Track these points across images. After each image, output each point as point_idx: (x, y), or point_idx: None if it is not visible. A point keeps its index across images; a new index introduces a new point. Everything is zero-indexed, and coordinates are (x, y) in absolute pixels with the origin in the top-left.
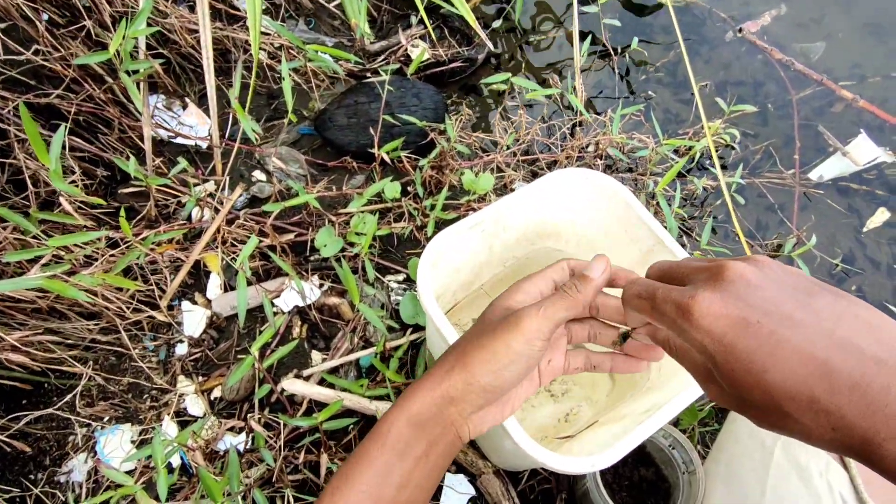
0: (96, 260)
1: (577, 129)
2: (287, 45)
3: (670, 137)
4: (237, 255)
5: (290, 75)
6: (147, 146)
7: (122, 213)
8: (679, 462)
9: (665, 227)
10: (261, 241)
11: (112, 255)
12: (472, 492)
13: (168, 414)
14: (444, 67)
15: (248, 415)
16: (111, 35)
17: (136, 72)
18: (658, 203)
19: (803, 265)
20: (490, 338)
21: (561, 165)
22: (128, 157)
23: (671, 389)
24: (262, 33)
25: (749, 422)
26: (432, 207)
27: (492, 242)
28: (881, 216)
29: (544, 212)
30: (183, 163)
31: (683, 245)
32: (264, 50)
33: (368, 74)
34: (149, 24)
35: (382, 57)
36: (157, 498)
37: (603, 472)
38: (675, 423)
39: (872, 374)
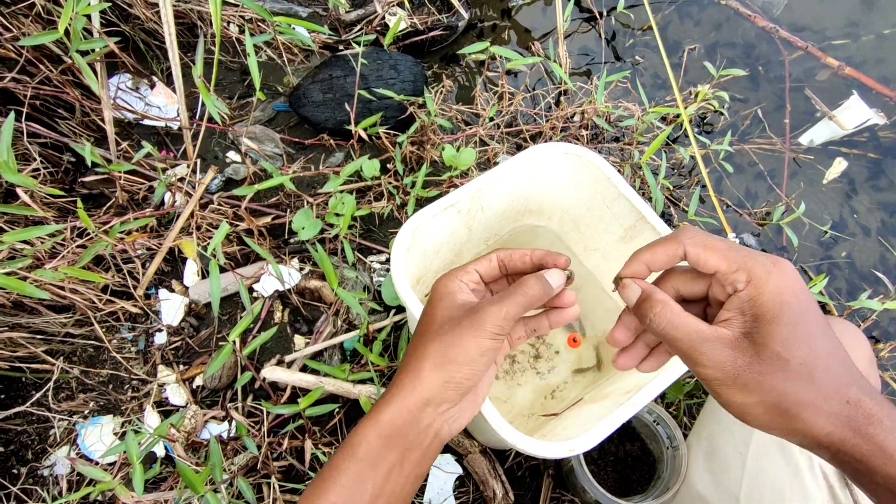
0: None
1: (562, 98)
2: (256, 17)
3: (658, 104)
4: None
5: (260, 49)
6: (109, 130)
7: (80, 204)
8: (663, 437)
9: (650, 199)
10: (237, 225)
11: (79, 247)
12: (460, 471)
13: (149, 404)
14: (424, 36)
15: (230, 404)
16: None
17: (91, 51)
18: (644, 174)
19: (792, 234)
20: (458, 335)
21: (545, 137)
22: (94, 143)
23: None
24: (229, 4)
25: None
26: (413, 185)
27: (470, 223)
28: (838, 167)
29: (524, 189)
30: (148, 146)
31: (670, 216)
32: (232, 22)
33: (341, 47)
34: None
35: (359, 27)
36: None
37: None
38: (662, 397)
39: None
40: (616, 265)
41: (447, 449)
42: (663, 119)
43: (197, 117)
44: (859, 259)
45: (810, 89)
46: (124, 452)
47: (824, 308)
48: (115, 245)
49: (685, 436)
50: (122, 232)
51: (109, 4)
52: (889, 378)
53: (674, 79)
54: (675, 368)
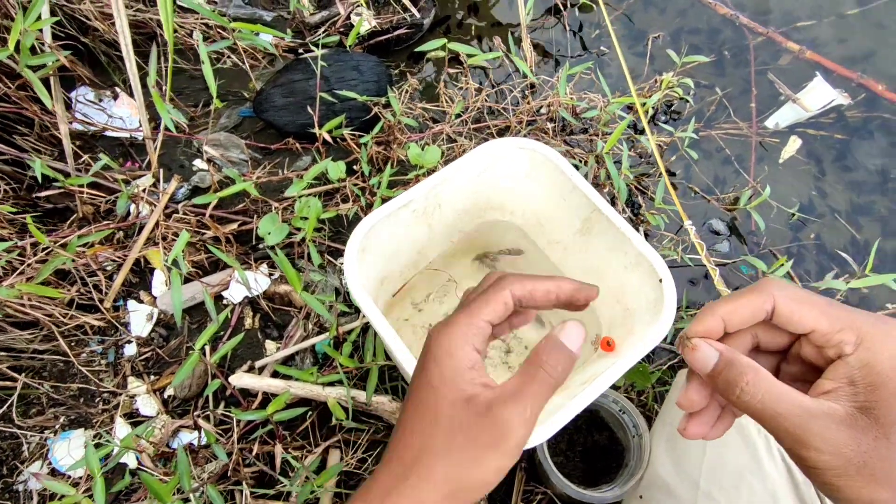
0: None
1: (529, 92)
2: (217, 24)
3: (623, 94)
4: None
5: (223, 56)
6: (66, 143)
7: (30, 219)
8: (629, 426)
9: (611, 190)
10: (203, 234)
11: (39, 262)
12: None
13: (119, 416)
14: (389, 36)
15: (198, 412)
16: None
17: (44, 66)
18: (606, 164)
19: (759, 217)
20: (475, 457)
21: (513, 131)
22: (56, 157)
23: (611, 359)
24: (189, 11)
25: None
26: (379, 185)
27: (430, 221)
28: (793, 145)
29: (483, 185)
30: (105, 158)
31: (639, 206)
32: (195, 30)
33: (301, 50)
34: (56, 13)
35: (323, 29)
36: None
37: (556, 440)
38: (632, 386)
39: None
40: (577, 258)
41: None
42: (630, 108)
43: (161, 127)
44: (828, 240)
45: (774, 73)
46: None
47: None
48: (77, 259)
49: (653, 423)
50: (82, 245)
51: (57, 19)
52: None
53: (626, 69)
54: (629, 357)
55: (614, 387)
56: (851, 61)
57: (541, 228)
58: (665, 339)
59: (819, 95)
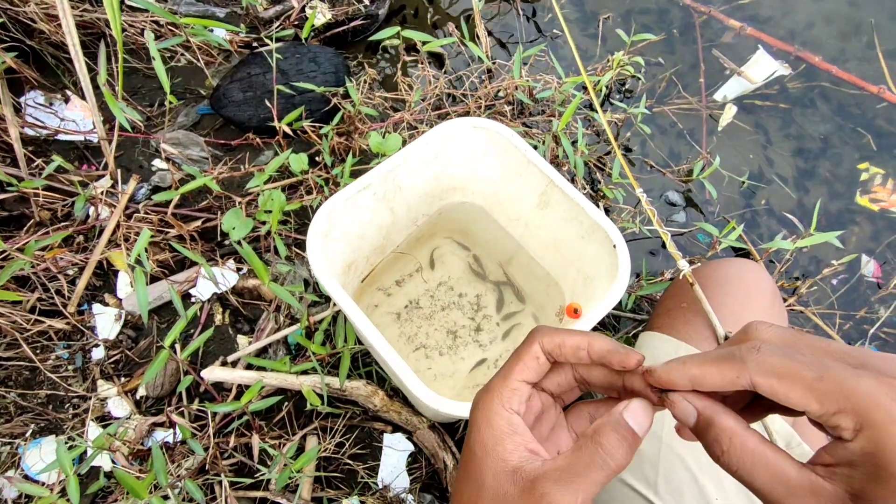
0: None
1: (487, 77)
2: (166, 21)
3: (577, 75)
4: (144, 250)
5: (177, 53)
6: (17, 148)
7: None
8: (594, 394)
9: (570, 168)
10: (167, 233)
11: None
12: (411, 447)
13: (90, 420)
14: (345, 27)
15: (170, 408)
16: None
17: None
18: (562, 143)
19: (711, 187)
20: None
21: (473, 116)
22: (9, 163)
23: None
24: (139, 10)
25: (651, 344)
26: (342, 175)
27: (391, 204)
28: (729, 112)
29: (441, 167)
30: (58, 160)
31: (598, 182)
32: (146, 28)
33: (255, 44)
34: None
35: (278, 23)
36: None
37: None
38: None
39: None
40: (538, 233)
41: (397, 428)
42: (584, 88)
43: (116, 126)
44: (778, 205)
45: (719, 49)
46: (75, 466)
47: (746, 254)
48: (36, 264)
49: None
50: (41, 249)
51: (1, 21)
52: (810, 313)
53: (575, 49)
54: (588, 319)
55: None
56: (791, 35)
57: (501, 206)
58: (626, 307)
59: (762, 67)
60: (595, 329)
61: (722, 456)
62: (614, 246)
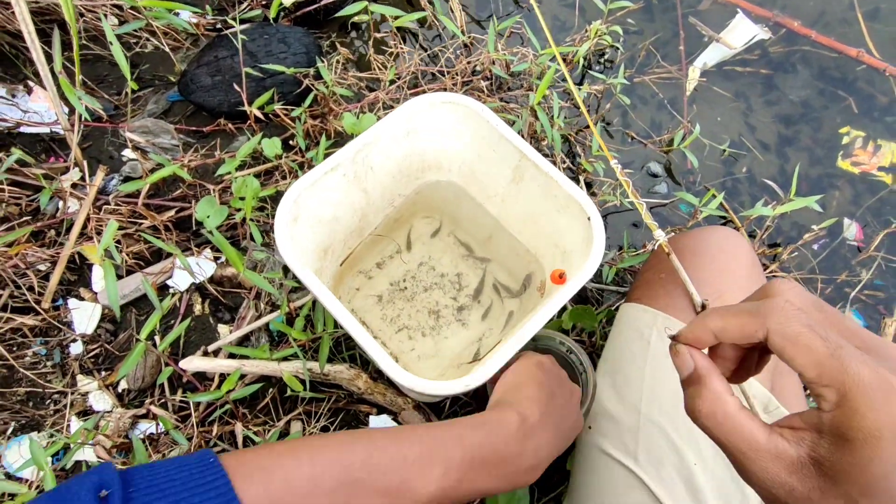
0: None
1: (463, 53)
2: (128, 6)
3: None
4: (117, 243)
5: (141, 38)
6: None
7: None
8: (577, 364)
9: (550, 142)
10: (141, 223)
11: None
12: None
13: (72, 415)
14: (316, 6)
15: (150, 399)
16: None
17: None
18: (539, 116)
19: (692, 156)
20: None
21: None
22: None
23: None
24: None
25: (630, 315)
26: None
27: (364, 185)
28: (694, 74)
29: (413, 145)
30: (17, 152)
31: (577, 154)
32: (99, 13)
33: (222, 27)
34: None
35: (247, 3)
36: None
37: None
38: (572, 328)
39: None
40: (514, 208)
41: (382, 410)
42: (564, 60)
43: (76, 116)
44: (759, 172)
45: (697, 17)
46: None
47: (727, 221)
48: (4, 260)
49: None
50: (6, 245)
51: None
52: (792, 279)
53: (543, 21)
54: (563, 293)
55: (564, 331)
56: (770, 0)
57: (477, 183)
58: (607, 280)
59: (741, 32)
60: (579, 303)
61: (700, 415)
62: (589, 218)
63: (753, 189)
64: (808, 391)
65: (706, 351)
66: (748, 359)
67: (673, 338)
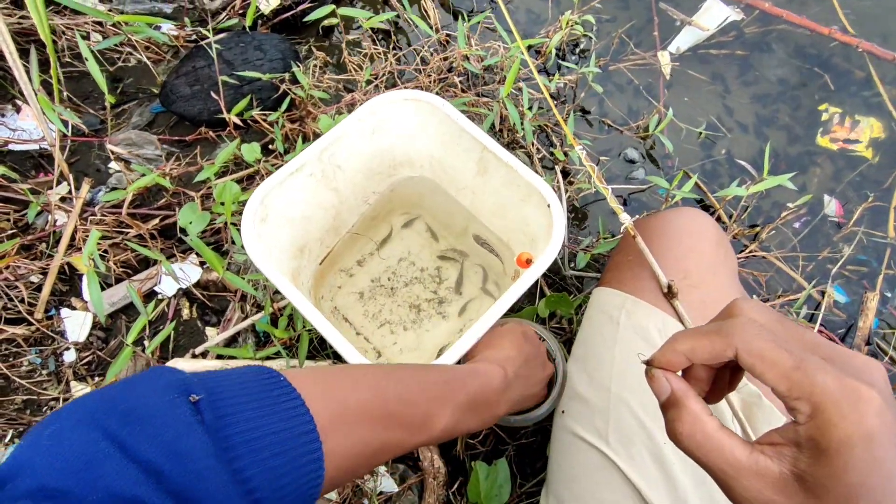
0: None
1: (439, 51)
2: (108, 23)
3: (527, 39)
4: (105, 252)
5: (122, 53)
6: None
7: None
8: (550, 352)
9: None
10: (127, 233)
11: None
12: None
13: None
14: (293, 12)
15: None
16: None
17: None
18: (507, 108)
19: (666, 140)
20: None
21: (426, 91)
22: None
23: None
24: (78, 13)
25: (600, 299)
26: None
27: (334, 184)
28: (664, 59)
29: (382, 142)
30: (1, 169)
31: (552, 144)
32: (83, 32)
33: (197, 38)
34: None
35: (225, 13)
36: None
37: None
38: (551, 315)
39: None
40: (484, 200)
41: None
42: (538, 53)
43: (56, 132)
44: (738, 153)
45: (667, 3)
46: None
47: (706, 208)
48: None
49: None
50: None
51: None
52: (773, 258)
53: (507, 12)
54: (525, 279)
55: (541, 319)
56: None
57: (447, 177)
58: (579, 266)
59: (714, 15)
60: (556, 290)
61: (681, 437)
62: (549, 205)
63: (733, 170)
64: (785, 407)
65: (681, 374)
66: (721, 378)
67: (647, 363)
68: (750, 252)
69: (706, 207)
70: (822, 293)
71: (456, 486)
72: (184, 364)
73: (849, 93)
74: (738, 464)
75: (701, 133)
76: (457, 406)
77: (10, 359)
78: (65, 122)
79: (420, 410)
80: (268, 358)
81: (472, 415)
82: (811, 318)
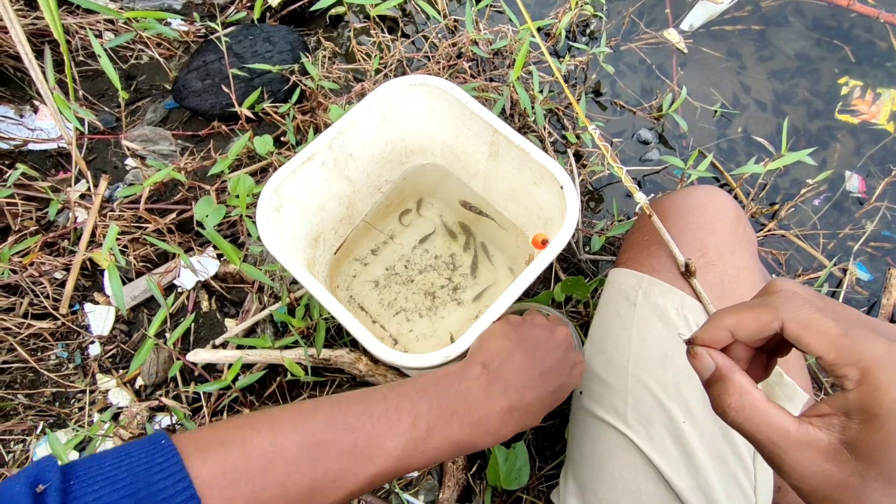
0: None
1: (446, 36)
2: (119, 21)
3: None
4: (124, 247)
5: (133, 50)
6: None
7: None
8: None
9: (530, 116)
10: (145, 228)
11: None
12: None
13: (95, 412)
14: (301, 2)
15: (159, 392)
16: None
17: None
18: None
19: (681, 120)
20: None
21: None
22: None
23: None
24: (90, 12)
25: (616, 280)
26: None
27: (346, 173)
28: (671, 37)
29: (392, 130)
30: (22, 167)
31: (564, 127)
32: (96, 31)
33: (207, 32)
34: None
35: (234, 6)
36: None
37: None
38: (567, 300)
39: None
40: (496, 185)
41: None
42: (547, 35)
43: (72, 129)
44: (755, 131)
45: None
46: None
47: (723, 187)
48: (20, 270)
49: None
50: (20, 255)
51: None
52: (793, 236)
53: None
54: (540, 260)
55: (557, 304)
56: None
57: (460, 163)
58: (594, 249)
59: None
60: (571, 275)
61: (730, 410)
62: (562, 187)
63: (750, 148)
64: (831, 376)
65: None
66: (756, 363)
67: (688, 342)
68: (769, 231)
69: (722, 187)
70: (844, 271)
71: (475, 469)
72: (204, 355)
73: (871, 63)
74: (789, 435)
75: (716, 111)
76: (420, 415)
77: (38, 353)
78: (81, 121)
79: (360, 432)
80: (286, 347)
81: (452, 421)
82: (833, 296)
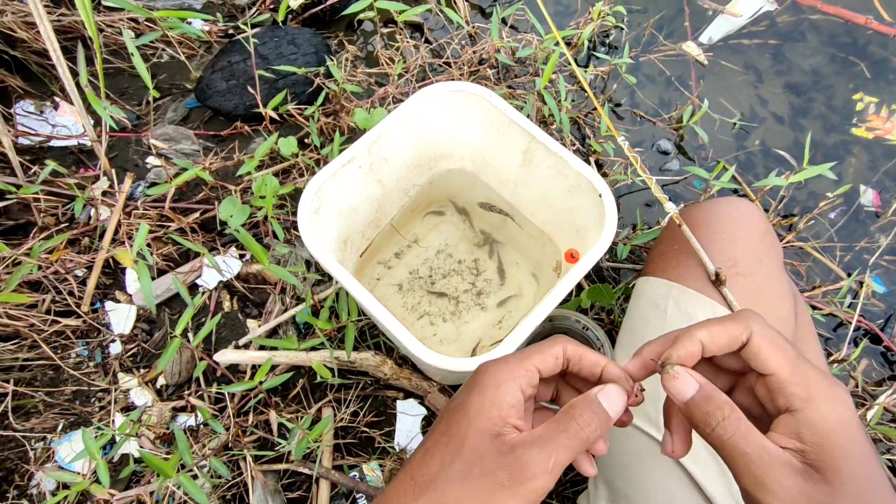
0: None
1: (468, 43)
2: (144, 19)
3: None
4: (148, 245)
5: (157, 49)
6: (11, 156)
7: None
8: (594, 340)
9: (559, 126)
10: (168, 227)
11: (6, 274)
12: (424, 411)
13: (116, 411)
14: (322, 6)
15: (187, 392)
16: None
17: None
18: (545, 100)
19: (701, 131)
20: (488, 481)
21: None
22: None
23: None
24: (114, 10)
25: (646, 288)
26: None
27: (379, 176)
28: (690, 50)
29: (425, 135)
30: (52, 164)
31: (587, 137)
32: (117, 28)
33: (233, 33)
34: None
35: (255, 8)
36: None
37: None
38: (591, 306)
39: None
40: (527, 192)
41: (409, 394)
42: (568, 45)
43: (103, 126)
44: (773, 144)
45: None
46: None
47: (742, 196)
48: (44, 267)
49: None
50: (46, 252)
51: None
52: (810, 248)
53: (543, 6)
54: (579, 267)
55: (583, 310)
56: None
57: (490, 169)
58: (621, 257)
59: (747, 2)
60: (594, 282)
61: (721, 423)
62: (600, 195)
63: (768, 161)
64: (778, 397)
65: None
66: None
67: (663, 364)
68: (787, 242)
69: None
70: (860, 283)
71: None
72: (232, 356)
73: (886, 80)
74: (771, 452)
75: (735, 124)
76: None
77: (59, 350)
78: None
79: None
80: (312, 348)
81: None
82: (850, 307)
